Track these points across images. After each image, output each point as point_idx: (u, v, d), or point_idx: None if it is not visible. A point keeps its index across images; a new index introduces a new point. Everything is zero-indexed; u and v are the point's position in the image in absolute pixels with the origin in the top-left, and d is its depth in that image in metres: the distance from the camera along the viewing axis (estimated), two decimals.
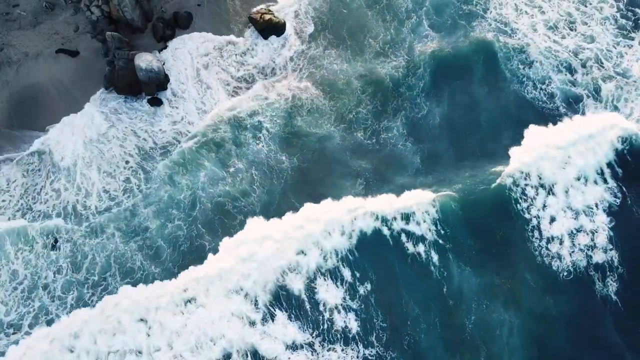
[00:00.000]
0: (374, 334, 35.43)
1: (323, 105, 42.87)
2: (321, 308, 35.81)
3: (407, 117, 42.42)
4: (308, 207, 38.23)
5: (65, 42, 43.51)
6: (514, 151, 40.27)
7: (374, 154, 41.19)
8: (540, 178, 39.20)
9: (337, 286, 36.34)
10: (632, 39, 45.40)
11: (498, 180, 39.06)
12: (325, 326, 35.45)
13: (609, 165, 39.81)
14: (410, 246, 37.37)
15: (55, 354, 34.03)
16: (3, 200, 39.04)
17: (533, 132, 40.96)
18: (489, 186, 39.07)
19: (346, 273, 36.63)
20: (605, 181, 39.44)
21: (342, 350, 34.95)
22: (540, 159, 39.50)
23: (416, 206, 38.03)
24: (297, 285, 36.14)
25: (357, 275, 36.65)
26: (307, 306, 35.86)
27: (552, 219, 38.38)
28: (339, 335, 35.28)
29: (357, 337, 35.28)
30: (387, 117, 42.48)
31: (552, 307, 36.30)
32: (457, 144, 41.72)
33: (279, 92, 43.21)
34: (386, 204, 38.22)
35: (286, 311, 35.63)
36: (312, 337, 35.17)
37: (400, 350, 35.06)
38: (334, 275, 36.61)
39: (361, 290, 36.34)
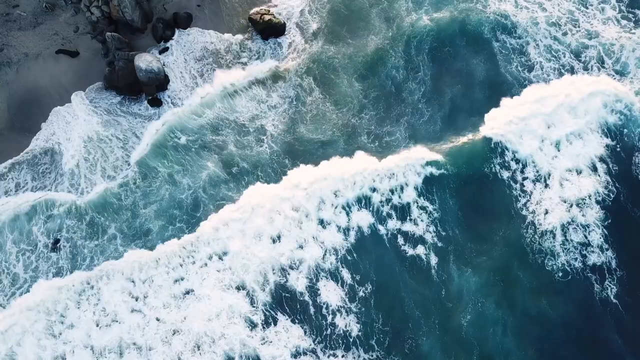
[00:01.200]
0: (374, 338, 35.58)
1: (329, 110, 42.79)
2: (324, 311, 35.88)
3: (409, 121, 42.39)
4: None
5: (65, 42, 43.41)
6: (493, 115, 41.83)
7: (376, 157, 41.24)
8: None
9: (337, 286, 36.47)
10: (633, 33, 45.33)
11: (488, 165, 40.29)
12: (328, 331, 35.50)
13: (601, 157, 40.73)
14: (408, 248, 37.63)
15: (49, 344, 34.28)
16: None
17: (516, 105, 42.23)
18: (481, 167, 40.28)
19: (345, 273, 36.83)
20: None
21: (343, 356, 34.99)
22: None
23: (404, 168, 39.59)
24: (298, 285, 36.29)
25: (357, 277, 36.83)
26: (310, 309, 35.94)
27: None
28: (340, 341, 35.31)
29: (357, 341, 35.37)
30: (390, 122, 42.47)
31: (547, 306, 36.52)
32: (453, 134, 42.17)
33: (280, 93, 43.18)
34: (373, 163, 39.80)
35: (289, 315, 35.72)
36: (314, 344, 35.18)
37: (402, 355, 35.22)
38: (334, 276, 36.75)
39: (360, 292, 36.50)
